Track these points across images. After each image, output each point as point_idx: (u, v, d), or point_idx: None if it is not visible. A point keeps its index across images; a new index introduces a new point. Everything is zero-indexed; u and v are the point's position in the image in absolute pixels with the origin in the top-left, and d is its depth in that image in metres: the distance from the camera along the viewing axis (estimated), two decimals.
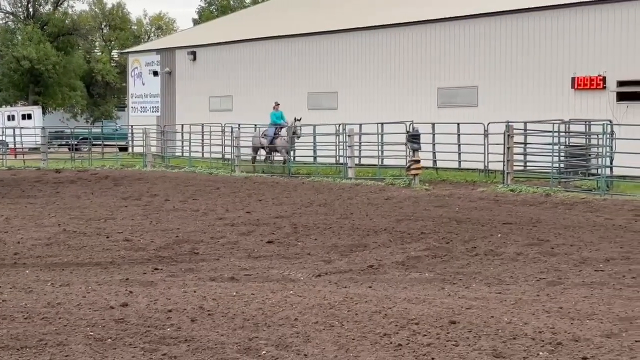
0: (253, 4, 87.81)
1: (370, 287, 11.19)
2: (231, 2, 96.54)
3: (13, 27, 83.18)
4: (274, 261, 13.29)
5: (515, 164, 27.53)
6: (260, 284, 11.37)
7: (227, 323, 9.03)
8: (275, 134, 34.49)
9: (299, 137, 34.47)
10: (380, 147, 32.62)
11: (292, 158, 34.52)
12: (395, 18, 38.90)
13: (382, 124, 32.03)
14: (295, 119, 34.12)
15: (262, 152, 36.10)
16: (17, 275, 12.03)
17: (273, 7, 56.94)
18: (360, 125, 33.14)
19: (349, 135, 30.85)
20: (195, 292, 10.67)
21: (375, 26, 39.08)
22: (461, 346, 8.12)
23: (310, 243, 15.07)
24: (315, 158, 35.22)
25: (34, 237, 15.88)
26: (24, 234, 16.34)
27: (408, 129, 28.99)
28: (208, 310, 9.58)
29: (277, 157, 35.97)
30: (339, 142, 33.65)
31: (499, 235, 15.70)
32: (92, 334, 8.56)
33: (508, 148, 26.77)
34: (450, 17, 35.85)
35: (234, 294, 10.54)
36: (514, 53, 33.35)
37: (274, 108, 35.91)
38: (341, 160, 32.93)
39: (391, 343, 8.23)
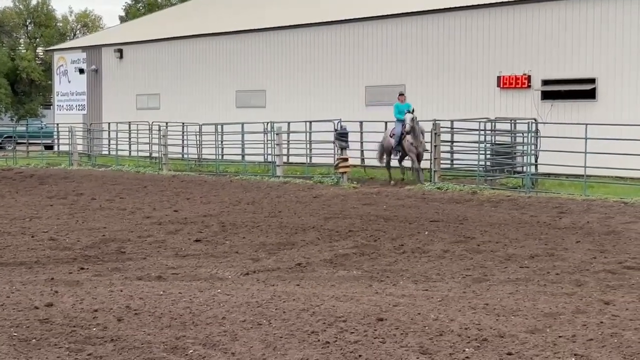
0: (180, 1, 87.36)
1: (298, 285, 11.21)
2: (158, 0, 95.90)
3: None
4: (202, 260, 13.24)
5: (442, 162, 27.77)
6: (188, 282, 11.32)
7: (154, 322, 8.98)
8: (402, 132, 27.31)
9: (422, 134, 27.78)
10: (308, 145, 32.66)
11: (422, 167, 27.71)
12: (322, 16, 38.99)
13: (310, 122, 32.06)
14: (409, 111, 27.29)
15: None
16: None
17: (200, 5, 56.64)
18: (289, 123, 33.14)
19: (277, 134, 30.82)
20: (122, 291, 10.59)
21: (302, 24, 39.08)
22: (388, 343, 8.17)
23: (239, 241, 15.04)
24: (243, 156, 35.15)
25: None
26: None
27: (336, 127, 29.05)
28: (135, 310, 9.51)
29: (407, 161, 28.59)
30: (267, 140, 33.61)
31: (426, 232, 15.82)
32: (16, 334, 8.45)
33: (435, 146, 26.99)
34: (377, 16, 35.99)
35: (161, 293, 10.47)
36: (441, 52, 33.60)
37: (398, 99, 28.64)
38: (269, 158, 32.90)
39: (319, 341, 8.25)
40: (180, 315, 9.28)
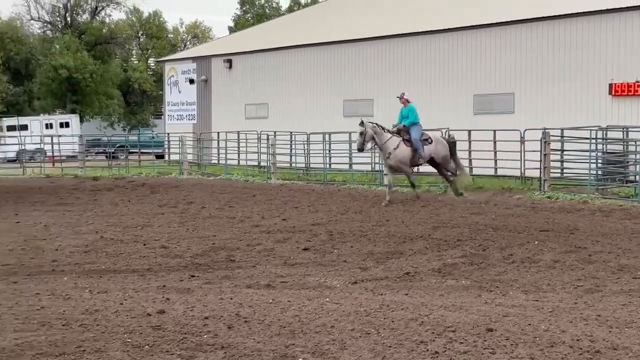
0: (289, 11, 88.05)
1: (406, 294, 11.16)
2: (267, 10, 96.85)
3: (51, 36, 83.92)
4: (310, 268, 13.29)
5: (552, 170, 27.38)
6: (297, 291, 11.38)
7: (264, 330, 9.04)
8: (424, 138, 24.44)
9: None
10: None
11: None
12: (430, 25, 38.84)
13: None
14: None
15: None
16: (55, 282, 12.12)
17: (308, 15, 57.02)
18: None
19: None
20: (231, 299, 10.70)
21: (410, 33, 39.01)
22: (498, 354, 8.08)
23: (347, 250, 15.05)
24: (350, 165, 35.17)
25: (72, 244, 16.00)
26: (62, 241, 16.47)
27: (444, 136, 28.88)
28: (244, 317, 9.59)
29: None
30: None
31: (536, 242, 15.60)
32: (129, 340, 8.60)
33: (545, 155, 26.64)
34: (486, 24, 35.73)
35: (270, 301, 10.55)
36: (551, 60, 33.16)
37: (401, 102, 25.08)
38: (377, 167, 32.87)
39: (428, 350, 8.20)
40: (289, 323, 9.33)
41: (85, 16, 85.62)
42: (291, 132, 38.61)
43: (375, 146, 24.70)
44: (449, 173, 25.17)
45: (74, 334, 8.89)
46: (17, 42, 78.43)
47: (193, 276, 12.62)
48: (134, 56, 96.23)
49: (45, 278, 12.46)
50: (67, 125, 63.82)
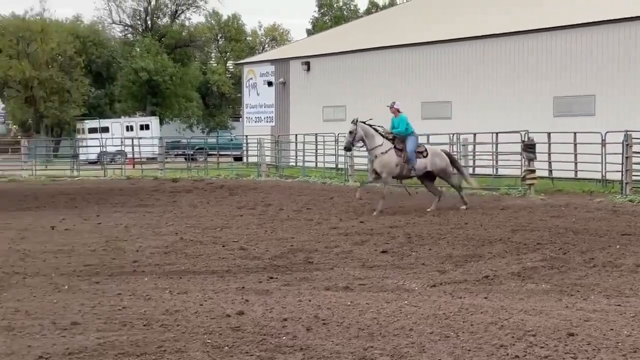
0: (366, 13, 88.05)
1: (485, 297, 11.08)
2: (344, 12, 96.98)
3: (132, 39, 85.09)
4: (388, 271, 13.25)
5: (634, 173, 26.95)
6: (375, 293, 11.36)
7: (342, 332, 9.05)
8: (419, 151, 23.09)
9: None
10: (494, 156, 32.31)
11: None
12: (509, 26, 38.54)
13: (496, 133, 31.73)
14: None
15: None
16: (136, 283, 12.27)
17: (386, 17, 56.93)
18: (475, 134, 32.88)
19: (462, 145, 30.61)
20: (310, 301, 10.73)
21: (488, 35, 38.75)
22: (580, 359, 7.98)
23: (425, 253, 14.99)
24: None
25: (152, 245, 16.19)
26: (143, 242, 16.67)
27: (523, 139, 28.63)
28: (323, 320, 9.61)
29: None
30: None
31: (618, 246, 15.37)
32: (209, 341, 8.68)
33: (627, 157, 26.26)
34: (564, 26, 35.35)
35: (349, 303, 10.55)
36: (632, 61, 32.68)
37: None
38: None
39: (508, 355, 8.13)
40: (367, 326, 9.33)
41: (165, 19, 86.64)
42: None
43: (364, 146, 23.53)
44: (453, 186, 23.89)
45: (154, 334, 9.00)
46: (98, 46, 79.74)
47: (271, 278, 12.68)
48: (213, 59, 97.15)
49: (127, 278, 12.62)
50: (147, 127, 64.67)
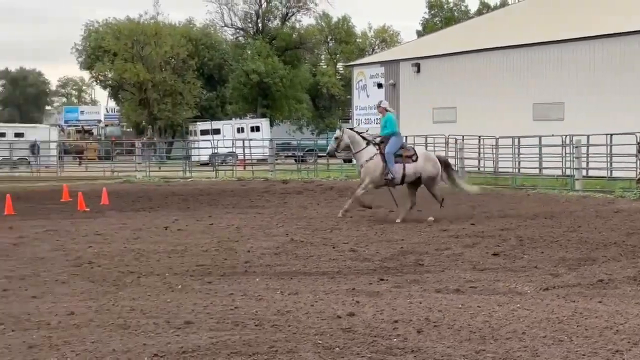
0: (477, 14, 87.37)
1: (600, 302, 10.88)
2: (455, 13, 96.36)
3: (243, 42, 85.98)
4: (500, 274, 13.11)
5: None
6: (486, 296, 11.26)
7: (453, 335, 9.00)
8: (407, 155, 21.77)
9: None
10: (609, 158, 31.73)
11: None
12: (626, 26, 37.79)
13: (611, 135, 31.15)
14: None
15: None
16: (248, 283, 12.39)
17: (498, 17, 56.41)
18: (588, 136, 32.33)
19: (576, 147, 30.16)
20: (420, 303, 10.69)
21: (604, 35, 38.07)
22: None
23: (537, 256, 14.80)
24: (540, 170, 34.60)
25: (263, 246, 16.32)
26: (254, 243, 16.82)
27: (639, 140, 28.05)
28: (434, 322, 9.58)
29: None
30: (565, 153, 32.93)
31: None
32: (320, 342, 8.72)
33: None
34: None
35: (460, 306, 10.48)
36: None
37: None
38: (568, 172, 32.24)
39: None
40: (479, 329, 9.26)
41: (276, 22, 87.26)
42: (479, 136, 38.28)
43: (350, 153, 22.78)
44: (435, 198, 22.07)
45: (266, 334, 9.08)
46: (210, 49, 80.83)
47: (382, 280, 12.65)
48: (323, 61, 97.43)
49: (238, 279, 12.75)
50: (257, 129, 65.29)
